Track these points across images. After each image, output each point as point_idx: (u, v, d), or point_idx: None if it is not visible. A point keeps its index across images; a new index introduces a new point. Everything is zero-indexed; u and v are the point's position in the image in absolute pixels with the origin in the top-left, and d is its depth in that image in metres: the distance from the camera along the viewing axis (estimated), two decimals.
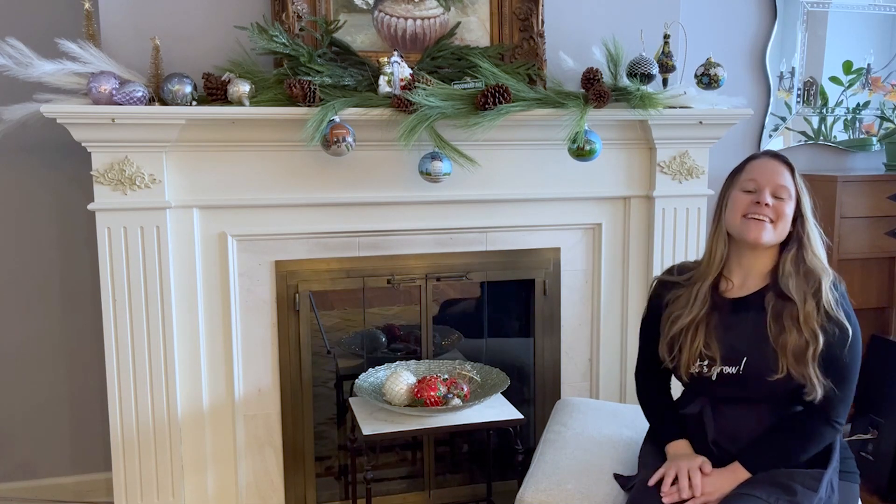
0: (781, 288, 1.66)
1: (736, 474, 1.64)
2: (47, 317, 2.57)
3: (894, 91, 3.19)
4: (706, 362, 1.69)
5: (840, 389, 1.63)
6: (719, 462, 1.68)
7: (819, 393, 1.60)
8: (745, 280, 1.73)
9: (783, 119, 3.15)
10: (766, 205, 1.65)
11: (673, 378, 1.83)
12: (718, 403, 1.72)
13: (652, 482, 1.64)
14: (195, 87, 2.06)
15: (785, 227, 1.67)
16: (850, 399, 1.67)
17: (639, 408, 1.98)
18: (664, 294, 1.80)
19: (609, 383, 2.59)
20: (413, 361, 2.39)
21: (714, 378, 1.69)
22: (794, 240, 1.68)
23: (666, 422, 1.79)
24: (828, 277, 1.65)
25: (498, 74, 2.22)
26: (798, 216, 1.68)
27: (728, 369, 1.67)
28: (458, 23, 2.33)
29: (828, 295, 1.63)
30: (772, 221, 1.65)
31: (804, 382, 1.61)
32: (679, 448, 1.72)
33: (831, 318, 1.62)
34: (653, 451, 1.80)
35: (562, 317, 2.55)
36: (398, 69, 2.15)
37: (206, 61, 2.14)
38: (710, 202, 2.49)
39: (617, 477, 1.82)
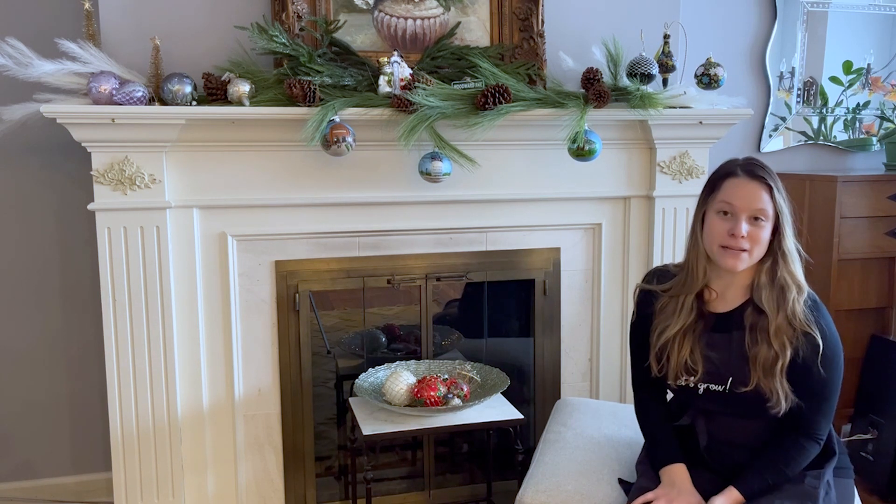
0: (755, 301, 1.65)
1: (734, 499, 1.62)
2: (47, 317, 2.57)
3: (894, 91, 3.19)
4: (691, 377, 1.69)
5: (818, 404, 1.63)
6: (713, 469, 1.68)
7: (784, 406, 1.60)
8: (726, 290, 1.70)
9: (783, 119, 3.15)
10: (742, 236, 1.60)
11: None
12: (709, 415, 1.72)
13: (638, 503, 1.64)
14: (195, 87, 2.06)
15: (761, 249, 1.63)
16: (831, 414, 1.66)
17: None
18: (651, 303, 1.78)
19: (609, 383, 2.59)
20: (413, 361, 2.39)
21: (700, 393, 1.69)
22: (770, 254, 1.64)
23: (664, 442, 1.76)
24: (801, 293, 1.64)
25: (498, 74, 2.22)
26: (775, 232, 1.63)
27: (714, 387, 1.67)
28: (458, 23, 2.33)
29: (799, 309, 1.62)
30: (747, 250, 1.61)
31: (769, 395, 1.60)
32: (675, 474, 1.69)
33: (803, 333, 1.61)
34: (653, 468, 1.78)
35: (562, 317, 2.55)
36: (398, 69, 2.15)
37: (206, 61, 2.15)
38: None
39: (621, 482, 1.82)
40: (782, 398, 1.59)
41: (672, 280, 1.76)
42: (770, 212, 1.62)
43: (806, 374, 1.61)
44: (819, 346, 1.60)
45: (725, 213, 1.63)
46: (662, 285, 1.77)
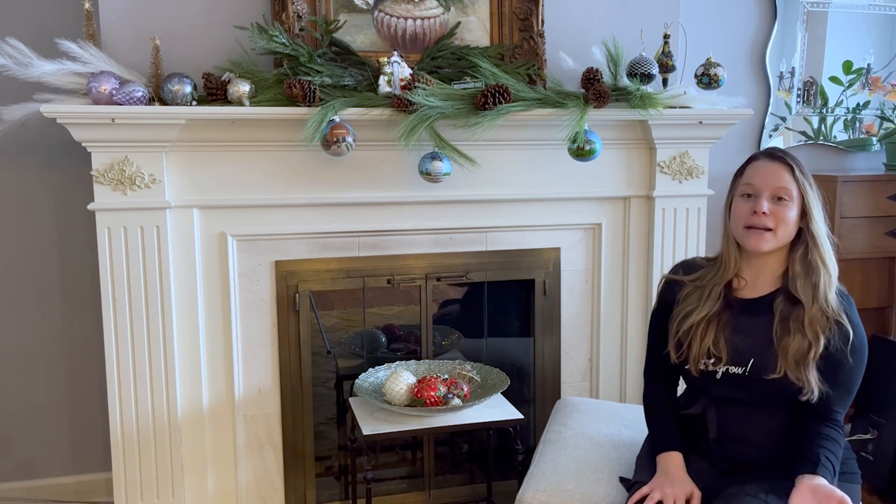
0: (790, 290, 1.65)
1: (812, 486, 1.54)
2: (47, 317, 2.56)
3: (894, 91, 3.19)
4: (712, 360, 1.68)
5: (841, 393, 1.63)
6: (720, 461, 1.68)
7: (815, 395, 1.60)
8: (756, 278, 1.71)
9: (783, 119, 3.15)
10: (764, 213, 1.62)
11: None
12: (721, 404, 1.71)
13: (631, 502, 1.63)
14: (195, 87, 2.06)
15: (787, 230, 1.64)
16: (849, 402, 1.67)
17: (639, 407, 1.97)
18: (675, 292, 1.78)
19: (609, 383, 2.59)
20: (413, 361, 2.39)
21: (719, 377, 1.68)
22: (801, 240, 1.65)
23: (665, 429, 1.77)
24: (831, 279, 1.64)
25: (498, 74, 2.22)
26: (803, 215, 1.64)
27: (734, 369, 1.66)
28: (458, 23, 2.33)
29: (832, 297, 1.63)
30: (771, 229, 1.63)
31: (801, 385, 1.60)
32: (671, 463, 1.69)
33: (835, 322, 1.61)
34: (650, 454, 1.79)
35: (562, 317, 2.55)
36: (398, 69, 2.15)
37: (206, 61, 2.15)
38: (710, 202, 2.50)
39: (622, 480, 1.82)
40: (814, 386, 1.59)
41: (701, 271, 1.77)
42: (793, 192, 1.64)
43: (835, 363, 1.61)
44: (850, 335, 1.61)
45: (749, 195, 1.66)
46: (689, 276, 1.78)
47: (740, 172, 1.72)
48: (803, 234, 1.65)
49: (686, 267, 1.83)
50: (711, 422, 1.71)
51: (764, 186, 1.64)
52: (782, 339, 1.63)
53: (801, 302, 1.63)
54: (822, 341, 1.60)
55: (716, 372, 1.68)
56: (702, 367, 1.70)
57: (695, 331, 1.70)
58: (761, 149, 3.13)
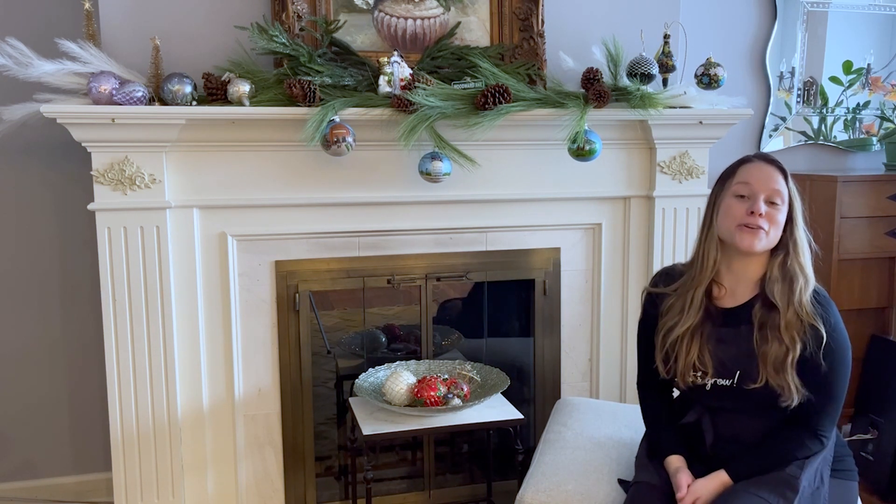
0: (767, 294, 1.65)
1: (721, 481, 1.64)
2: (47, 317, 2.57)
3: (894, 91, 3.19)
4: (699, 374, 1.69)
5: (822, 400, 1.63)
6: (719, 464, 1.68)
7: (795, 400, 1.61)
8: (735, 286, 1.71)
9: (783, 119, 3.15)
10: (760, 214, 1.62)
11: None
12: (714, 411, 1.72)
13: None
14: (195, 87, 2.06)
15: (777, 233, 1.65)
16: (836, 411, 1.66)
17: (638, 407, 1.97)
18: (657, 304, 1.78)
19: (609, 383, 2.60)
20: (413, 361, 2.39)
21: (708, 388, 1.69)
22: (783, 246, 1.66)
23: (663, 437, 1.78)
24: (808, 284, 1.65)
25: (498, 74, 2.22)
26: (788, 221, 1.66)
27: (722, 381, 1.68)
28: (458, 23, 2.33)
29: (806, 301, 1.63)
30: (765, 229, 1.63)
31: (780, 391, 1.61)
32: (672, 466, 1.71)
33: (809, 325, 1.61)
34: (650, 457, 1.79)
35: (562, 317, 2.55)
36: (398, 69, 2.15)
37: (206, 61, 2.15)
38: None
39: (621, 482, 1.82)
40: (794, 392, 1.60)
41: (682, 278, 1.77)
42: (785, 196, 1.65)
43: (811, 368, 1.61)
44: (822, 338, 1.60)
45: (743, 195, 1.66)
46: (670, 286, 1.77)
47: (731, 173, 1.71)
48: (785, 240, 1.66)
49: (666, 276, 1.82)
50: (707, 428, 1.73)
51: (760, 188, 1.64)
52: (761, 346, 1.63)
53: (777, 307, 1.63)
54: (799, 346, 1.61)
55: (705, 385, 1.69)
56: (690, 380, 1.70)
57: (680, 343, 1.70)
58: (762, 149, 3.14)
